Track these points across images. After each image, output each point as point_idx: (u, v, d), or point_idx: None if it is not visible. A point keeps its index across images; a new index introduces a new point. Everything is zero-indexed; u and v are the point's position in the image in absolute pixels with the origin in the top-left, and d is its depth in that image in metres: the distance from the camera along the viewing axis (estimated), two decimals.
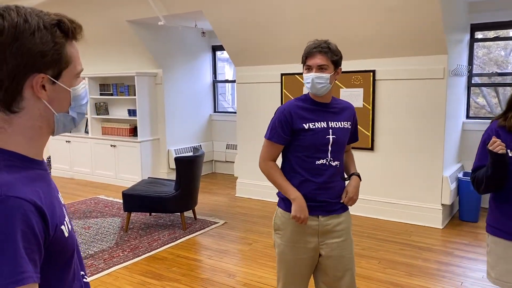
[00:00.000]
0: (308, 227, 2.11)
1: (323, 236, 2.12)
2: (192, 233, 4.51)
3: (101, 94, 7.10)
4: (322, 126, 2.09)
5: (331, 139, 2.09)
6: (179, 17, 5.86)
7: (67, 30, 0.88)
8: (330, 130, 2.10)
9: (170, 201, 4.50)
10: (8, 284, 0.73)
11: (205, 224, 4.81)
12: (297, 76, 5.26)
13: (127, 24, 6.22)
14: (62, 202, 0.97)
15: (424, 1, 4.10)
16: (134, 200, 4.53)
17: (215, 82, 7.69)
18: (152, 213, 5.16)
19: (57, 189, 0.97)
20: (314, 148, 2.09)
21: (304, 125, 2.08)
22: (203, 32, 6.68)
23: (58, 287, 0.90)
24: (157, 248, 4.11)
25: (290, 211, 2.10)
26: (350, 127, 2.19)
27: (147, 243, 4.26)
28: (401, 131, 4.76)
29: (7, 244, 0.74)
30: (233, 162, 6.42)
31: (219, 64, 7.78)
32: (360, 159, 4.83)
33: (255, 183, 5.71)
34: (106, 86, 7.06)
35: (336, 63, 2.09)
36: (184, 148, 7.05)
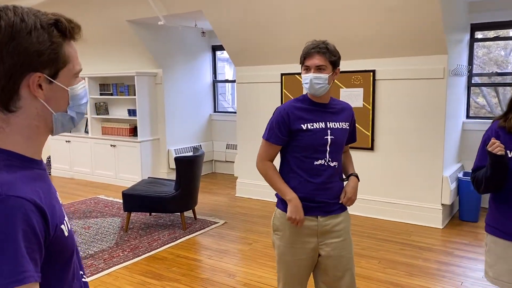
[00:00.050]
0: (307, 228, 2.11)
1: (322, 237, 2.12)
2: (192, 233, 4.51)
3: (101, 94, 7.10)
4: (321, 127, 2.09)
5: (329, 140, 2.09)
6: (179, 17, 5.86)
7: (64, 29, 0.88)
8: (329, 131, 2.10)
9: (170, 201, 4.50)
10: (9, 284, 0.73)
11: (205, 224, 4.81)
12: (297, 76, 5.26)
13: (127, 24, 6.22)
14: (60, 202, 0.97)
15: (424, 1, 4.10)
16: (134, 200, 4.53)
17: (215, 82, 7.69)
18: (152, 213, 5.16)
19: (55, 188, 0.97)
20: (313, 148, 2.09)
21: (302, 125, 2.08)
22: (203, 32, 6.68)
23: (58, 287, 0.91)
24: (157, 248, 4.12)
25: None
26: (348, 127, 2.20)
27: (147, 243, 4.26)
28: (401, 131, 4.76)
29: (8, 244, 0.74)
30: (233, 162, 6.42)
31: (219, 64, 7.79)
32: (360, 159, 4.84)
33: (255, 183, 5.71)
34: (106, 86, 7.06)
35: (335, 64, 2.09)
36: (184, 148, 7.06)
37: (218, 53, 7.66)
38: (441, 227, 4.59)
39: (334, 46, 2.10)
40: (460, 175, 4.89)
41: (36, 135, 0.90)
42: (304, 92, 2.19)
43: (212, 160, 7.63)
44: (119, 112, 7.21)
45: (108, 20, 6.30)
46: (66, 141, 7.37)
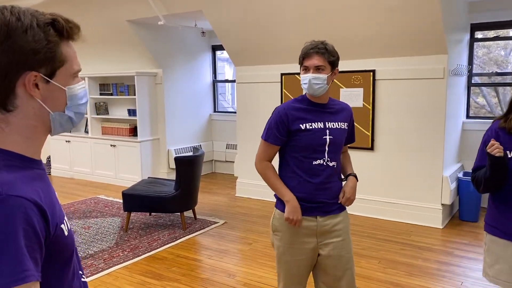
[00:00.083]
0: (306, 228, 2.11)
1: (321, 237, 2.13)
2: (192, 233, 4.51)
3: (101, 94, 7.10)
4: (320, 127, 2.10)
5: (328, 140, 2.09)
6: (179, 17, 5.86)
7: (61, 29, 0.88)
8: (327, 131, 2.10)
9: (170, 201, 4.50)
10: (10, 283, 0.73)
11: (205, 224, 4.81)
12: (297, 76, 5.26)
13: (127, 24, 6.22)
14: (59, 202, 0.97)
15: (424, 1, 4.10)
16: (134, 200, 4.53)
17: (215, 82, 7.69)
18: (152, 213, 5.16)
19: (54, 189, 0.97)
20: (311, 148, 2.09)
21: (301, 125, 2.08)
22: (203, 32, 6.68)
23: (58, 286, 0.91)
24: (157, 248, 4.12)
25: None
26: (347, 127, 2.20)
27: (147, 243, 4.26)
28: (401, 131, 4.76)
29: (8, 243, 0.74)
30: (233, 162, 6.42)
31: (219, 64, 7.79)
32: (360, 159, 4.84)
33: (255, 183, 5.71)
34: (106, 86, 7.06)
35: (333, 64, 2.09)
36: (184, 148, 7.06)
37: (218, 53, 7.66)
38: (441, 227, 4.59)
39: (332, 46, 2.10)
40: (460, 175, 4.90)
41: (35, 135, 0.91)
42: (304, 92, 2.19)
43: (212, 160, 7.63)
44: (119, 112, 7.21)
45: (108, 20, 6.30)
46: (66, 141, 7.37)
